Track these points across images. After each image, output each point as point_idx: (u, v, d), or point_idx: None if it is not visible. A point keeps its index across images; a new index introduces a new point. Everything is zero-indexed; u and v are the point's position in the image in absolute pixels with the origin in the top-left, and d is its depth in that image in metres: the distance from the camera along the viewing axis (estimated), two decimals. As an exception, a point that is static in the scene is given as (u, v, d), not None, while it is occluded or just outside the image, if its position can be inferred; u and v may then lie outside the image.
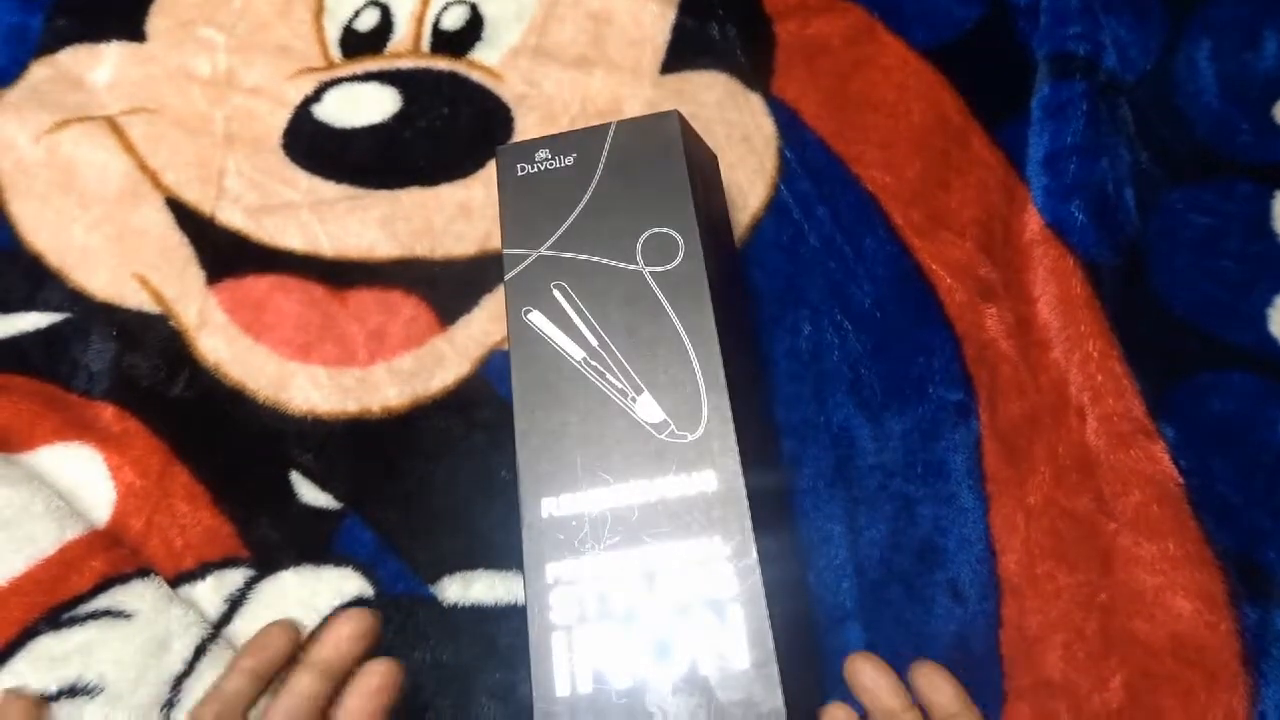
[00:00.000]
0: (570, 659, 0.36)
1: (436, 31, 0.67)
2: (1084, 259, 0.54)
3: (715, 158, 0.55)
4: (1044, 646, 0.48)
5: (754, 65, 0.65)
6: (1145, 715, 0.45)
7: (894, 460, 0.53)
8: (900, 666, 0.48)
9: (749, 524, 0.37)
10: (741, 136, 0.62)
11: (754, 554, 0.37)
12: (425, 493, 0.54)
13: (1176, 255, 0.56)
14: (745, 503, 0.38)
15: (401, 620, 0.50)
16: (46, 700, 0.45)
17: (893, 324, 0.56)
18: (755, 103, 0.63)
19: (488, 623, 0.50)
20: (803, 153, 0.61)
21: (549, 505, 0.39)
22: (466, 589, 0.51)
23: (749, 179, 0.61)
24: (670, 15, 0.66)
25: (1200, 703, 0.45)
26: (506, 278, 0.44)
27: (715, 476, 0.38)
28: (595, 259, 0.43)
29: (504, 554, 0.52)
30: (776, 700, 0.35)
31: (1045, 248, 0.55)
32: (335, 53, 0.67)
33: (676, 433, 0.39)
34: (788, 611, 0.39)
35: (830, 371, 0.55)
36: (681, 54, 0.65)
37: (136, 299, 0.59)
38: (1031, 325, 0.54)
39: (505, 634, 0.50)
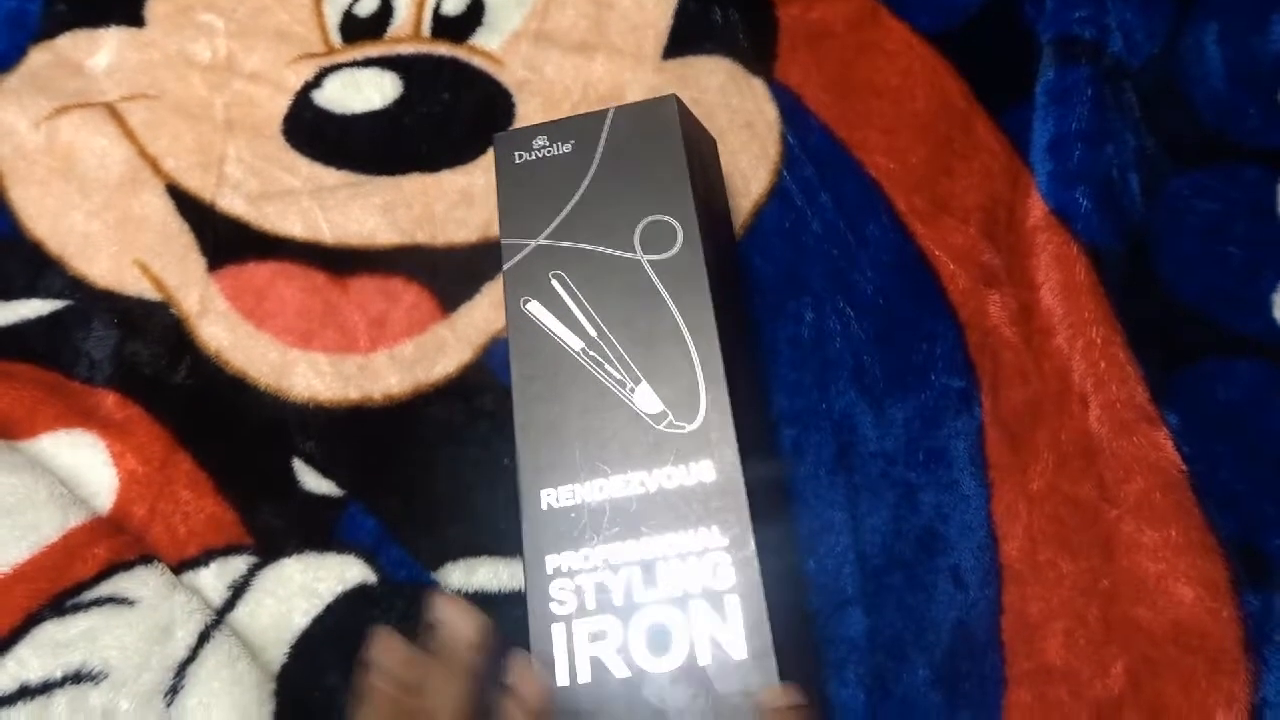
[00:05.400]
0: (570, 649, 0.36)
1: (437, 17, 0.67)
2: (1088, 245, 0.54)
3: (714, 142, 0.55)
4: (1045, 633, 0.48)
5: (757, 50, 0.64)
6: (1146, 701, 0.45)
7: (896, 447, 0.53)
8: (902, 653, 0.48)
9: (747, 515, 0.37)
10: (744, 122, 0.62)
11: (752, 545, 0.37)
12: (427, 480, 0.54)
13: (1182, 241, 0.56)
14: (743, 494, 0.38)
15: (404, 607, 0.51)
16: None
17: (895, 311, 0.56)
18: (758, 88, 0.63)
19: (491, 609, 0.50)
20: (805, 138, 0.61)
21: (548, 497, 0.39)
22: (470, 576, 0.51)
23: (751, 165, 0.60)
24: (673, 0, 0.66)
25: (1201, 689, 0.45)
26: (505, 268, 0.44)
27: (713, 467, 0.38)
28: (593, 248, 0.43)
29: (507, 541, 0.52)
30: (775, 691, 0.35)
31: (1049, 234, 0.55)
32: (335, 38, 0.67)
33: (675, 423, 0.39)
34: (786, 602, 0.39)
35: (832, 359, 0.55)
36: (684, 39, 0.65)
37: (137, 286, 0.59)
38: (1034, 312, 0.54)
39: (509, 621, 0.50)
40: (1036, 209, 0.56)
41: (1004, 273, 0.56)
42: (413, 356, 0.56)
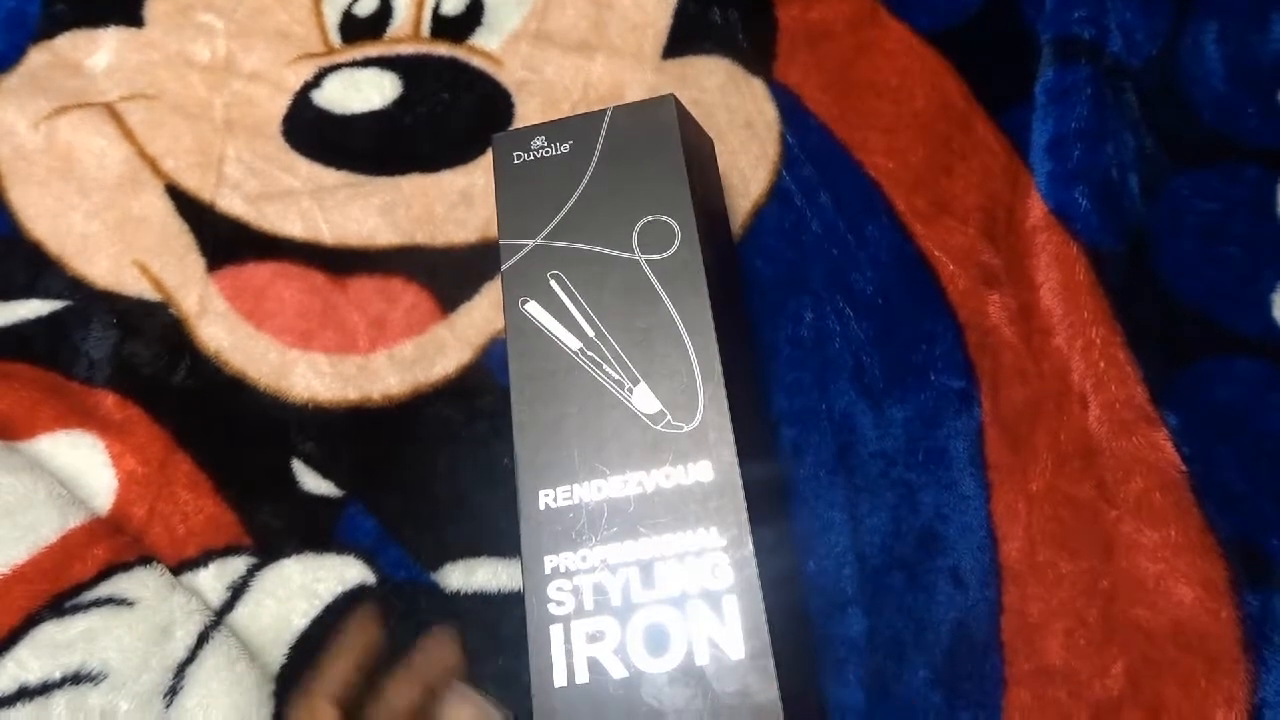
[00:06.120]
0: (567, 650, 0.36)
1: (437, 17, 0.67)
2: (1087, 245, 0.54)
3: (712, 141, 0.54)
4: (1045, 633, 0.48)
5: (756, 50, 0.64)
6: (1146, 702, 0.45)
7: (896, 447, 0.53)
8: (901, 654, 0.48)
9: (745, 515, 0.37)
10: (744, 122, 0.62)
11: (750, 545, 0.37)
12: (427, 480, 0.54)
13: (1181, 241, 0.56)
14: (741, 494, 0.38)
15: (404, 608, 0.51)
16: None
17: (895, 311, 0.56)
18: (757, 88, 0.63)
19: (491, 610, 0.51)
20: (805, 138, 0.61)
21: (546, 497, 0.39)
22: (469, 576, 0.51)
23: (751, 165, 0.60)
24: (672, 0, 0.66)
25: (1201, 689, 0.45)
26: (503, 268, 0.44)
27: (711, 467, 0.38)
28: (592, 248, 0.43)
29: (507, 541, 0.52)
30: (772, 692, 0.35)
31: (1048, 234, 0.54)
32: (335, 38, 0.67)
33: (673, 423, 0.39)
34: (784, 602, 0.39)
35: (832, 358, 0.55)
36: (683, 39, 0.65)
37: (137, 286, 0.59)
38: (1034, 312, 0.54)
39: (508, 621, 0.50)
40: (1036, 209, 0.56)
41: (1004, 273, 0.56)
42: (412, 357, 0.56)
